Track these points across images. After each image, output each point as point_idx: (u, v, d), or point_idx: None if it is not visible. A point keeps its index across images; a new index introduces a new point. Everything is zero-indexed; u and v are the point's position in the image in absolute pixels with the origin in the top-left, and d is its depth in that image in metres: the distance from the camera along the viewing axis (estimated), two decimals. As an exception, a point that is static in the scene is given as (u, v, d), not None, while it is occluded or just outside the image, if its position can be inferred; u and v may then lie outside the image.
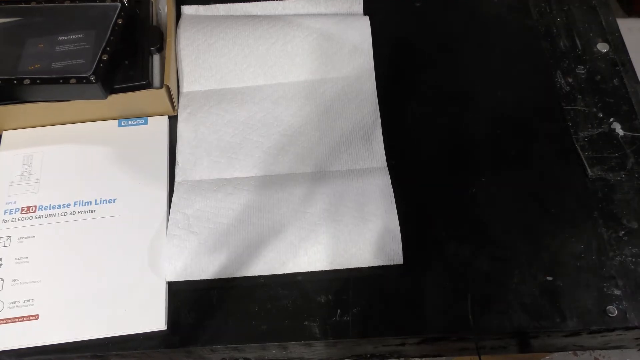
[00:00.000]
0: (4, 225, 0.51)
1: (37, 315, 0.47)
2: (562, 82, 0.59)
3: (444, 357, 0.58)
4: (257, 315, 0.48)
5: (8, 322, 0.46)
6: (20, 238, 0.50)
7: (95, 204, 0.52)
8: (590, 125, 0.52)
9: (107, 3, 0.57)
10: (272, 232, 0.51)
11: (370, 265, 0.50)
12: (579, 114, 0.56)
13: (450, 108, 0.60)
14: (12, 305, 0.47)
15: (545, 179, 0.55)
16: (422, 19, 0.67)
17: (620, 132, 0.56)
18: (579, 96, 0.59)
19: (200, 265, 0.49)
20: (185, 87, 0.60)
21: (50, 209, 0.52)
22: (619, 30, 0.63)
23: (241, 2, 0.66)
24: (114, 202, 0.52)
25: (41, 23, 0.56)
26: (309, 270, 0.50)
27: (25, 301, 0.47)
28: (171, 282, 0.49)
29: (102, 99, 0.53)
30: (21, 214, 0.52)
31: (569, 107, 0.59)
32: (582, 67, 0.61)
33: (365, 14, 0.65)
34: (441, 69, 0.63)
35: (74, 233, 0.51)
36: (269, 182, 0.54)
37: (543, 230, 0.52)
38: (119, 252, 0.50)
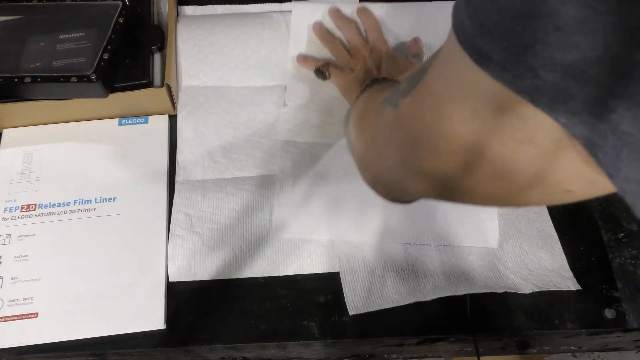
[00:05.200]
0: (4, 223, 0.51)
1: (37, 314, 0.47)
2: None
3: (442, 358, 0.58)
4: (256, 314, 0.48)
5: (7, 320, 0.46)
6: (20, 236, 0.50)
7: (95, 202, 0.52)
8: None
9: (108, 2, 0.57)
10: (275, 233, 0.51)
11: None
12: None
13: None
14: (11, 303, 0.47)
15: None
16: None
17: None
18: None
19: (204, 265, 0.49)
20: (185, 81, 0.60)
21: (50, 207, 0.52)
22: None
23: (239, 4, 0.66)
24: (113, 200, 0.52)
25: (42, 21, 0.56)
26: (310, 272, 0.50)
27: (24, 299, 0.47)
28: (172, 280, 0.49)
29: (103, 97, 0.53)
30: (21, 212, 0.52)
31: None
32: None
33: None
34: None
35: (74, 231, 0.51)
36: (270, 182, 0.54)
37: (542, 232, 0.52)
38: (119, 250, 0.50)
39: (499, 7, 0.19)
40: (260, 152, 0.56)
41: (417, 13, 0.63)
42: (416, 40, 0.61)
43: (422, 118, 0.26)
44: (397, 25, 0.63)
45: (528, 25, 0.18)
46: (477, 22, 0.20)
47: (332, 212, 0.51)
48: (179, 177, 0.54)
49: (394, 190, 0.34)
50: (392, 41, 0.62)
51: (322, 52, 0.61)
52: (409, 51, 0.60)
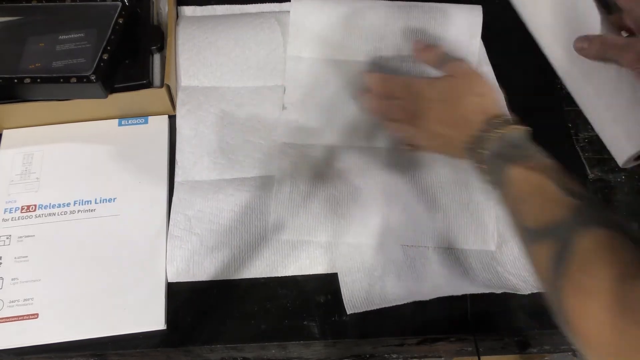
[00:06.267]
0: (4, 224, 0.51)
1: (37, 314, 0.47)
2: (563, 83, 0.59)
3: (443, 358, 0.58)
4: (256, 314, 0.48)
5: (7, 321, 0.46)
6: (20, 237, 0.50)
7: (95, 203, 0.52)
8: (590, 127, 0.52)
9: (108, 2, 0.57)
10: (274, 234, 0.51)
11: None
12: (579, 115, 0.56)
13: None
14: (11, 304, 0.47)
15: (545, 180, 0.55)
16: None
17: (621, 134, 0.56)
18: (579, 97, 0.59)
19: (202, 266, 0.49)
20: (184, 81, 0.60)
21: (50, 207, 0.52)
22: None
23: (239, 4, 0.66)
24: (113, 201, 0.52)
25: (42, 22, 0.56)
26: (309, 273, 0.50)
27: (24, 300, 0.47)
28: (170, 281, 0.49)
29: (103, 98, 0.53)
30: (21, 212, 0.52)
31: (570, 109, 0.59)
32: (583, 68, 0.60)
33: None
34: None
35: (74, 232, 0.51)
36: (269, 183, 0.54)
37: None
38: (119, 251, 0.50)
39: None
40: (259, 153, 0.56)
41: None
42: (416, 42, 0.57)
43: None
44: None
45: None
46: None
47: (330, 213, 0.51)
48: (178, 178, 0.54)
49: None
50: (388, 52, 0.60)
51: (321, 51, 0.61)
52: (422, 55, 0.54)
